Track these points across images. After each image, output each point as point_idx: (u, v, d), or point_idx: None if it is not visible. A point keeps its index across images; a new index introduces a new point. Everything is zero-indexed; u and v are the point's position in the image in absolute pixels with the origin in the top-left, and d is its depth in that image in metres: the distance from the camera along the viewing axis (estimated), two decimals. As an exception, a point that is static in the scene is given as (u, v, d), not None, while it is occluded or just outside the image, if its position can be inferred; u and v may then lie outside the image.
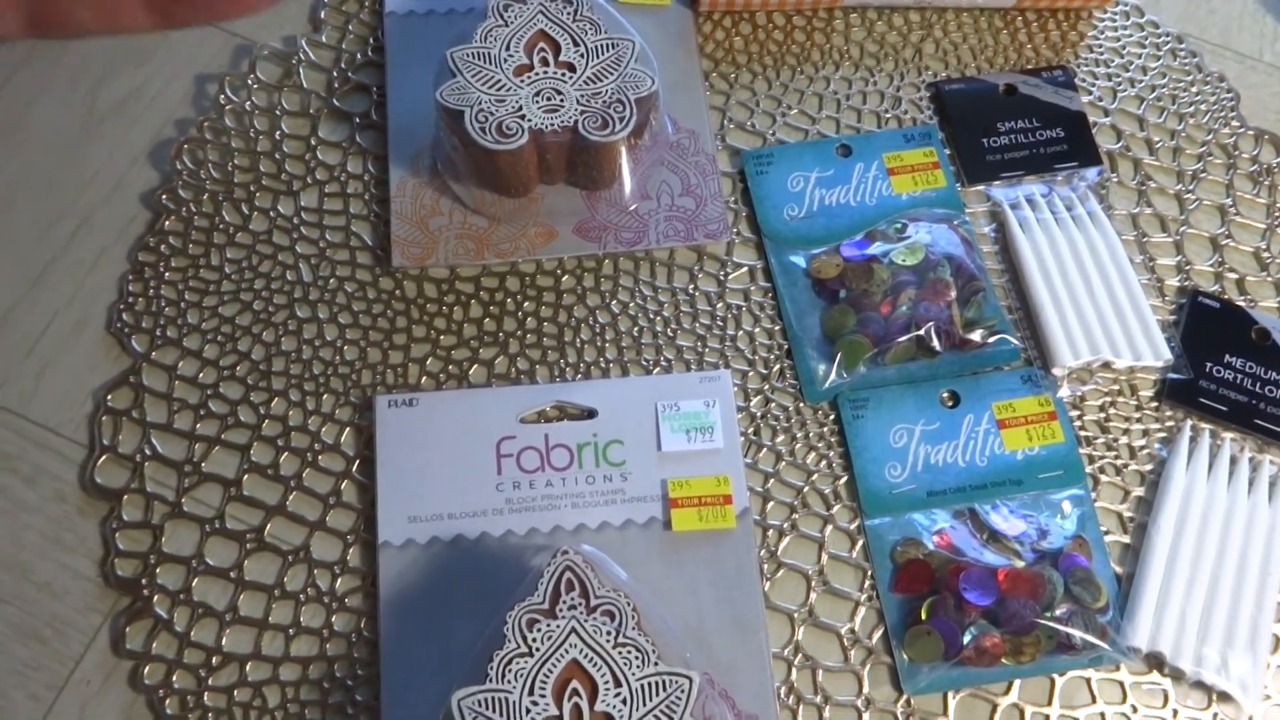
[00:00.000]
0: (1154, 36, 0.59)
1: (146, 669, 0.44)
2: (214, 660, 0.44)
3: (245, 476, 0.47)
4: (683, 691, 0.38)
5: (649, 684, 0.38)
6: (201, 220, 0.52)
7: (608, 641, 0.39)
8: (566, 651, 0.38)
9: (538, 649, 0.38)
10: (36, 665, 0.44)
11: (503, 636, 0.39)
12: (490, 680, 0.38)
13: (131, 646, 0.44)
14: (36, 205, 0.52)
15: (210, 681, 0.44)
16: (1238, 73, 0.59)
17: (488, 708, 0.37)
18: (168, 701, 0.43)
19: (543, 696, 0.38)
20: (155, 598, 0.45)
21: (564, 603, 0.39)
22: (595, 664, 0.38)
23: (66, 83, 0.55)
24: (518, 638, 0.39)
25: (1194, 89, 0.58)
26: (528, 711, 0.37)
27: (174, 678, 0.43)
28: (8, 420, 0.48)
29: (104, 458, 0.47)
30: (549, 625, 0.39)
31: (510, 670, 0.38)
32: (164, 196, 0.52)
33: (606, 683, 0.38)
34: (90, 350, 0.49)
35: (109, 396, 0.48)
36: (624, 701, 0.38)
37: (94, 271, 0.51)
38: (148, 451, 0.47)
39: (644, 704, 0.38)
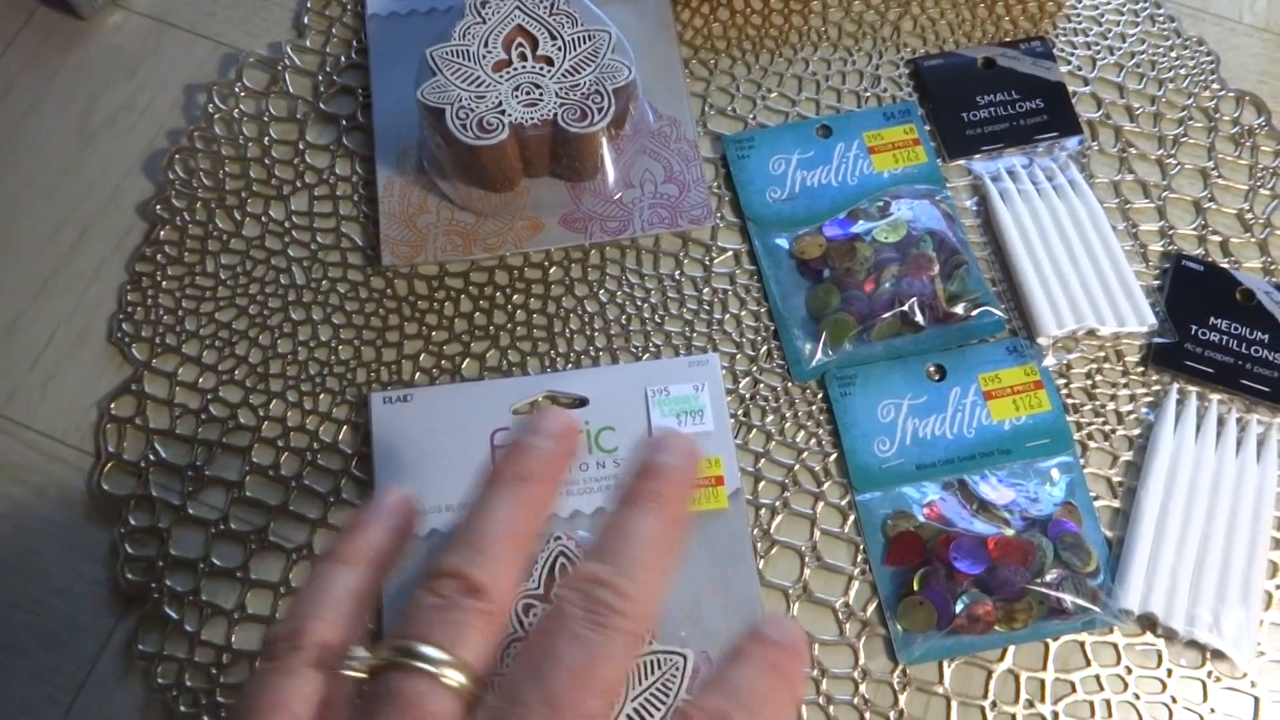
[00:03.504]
0: (1131, 3, 0.59)
1: (159, 669, 0.45)
2: (224, 658, 0.45)
3: (247, 478, 0.48)
4: (677, 669, 0.39)
5: (643, 663, 0.39)
6: (195, 228, 0.53)
7: (602, 623, 0.39)
8: (562, 635, 0.39)
9: (534, 633, 0.39)
10: (55, 668, 0.45)
11: (500, 622, 0.40)
12: (489, 665, 0.39)
13: (144, 647, 0.45)
14: (35, 219, 0.54)
15: (222, 679, 0.45)
16: (1217, 35, 0.59)
17: (487, 692, 0.38)
18: (181, 700, 0.44)
19: (540, 679, 0.39)
20: (165, 599, 0.46)
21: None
22: (591, 646, 0.39)
23: (60, 95, 0.57)
24: (514, 622, 0.40)
25: (1173, 54, 0.58)
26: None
27: (186, 676, 0.45)
28: (15, 432, 0.49)
29: (110, 465, 0.48)
30: (544, 609, 0.40)
31: (508, 654, 0.39)
32: (158, 206, 0.53)
33: (602, 663, 0.39)
34: (93, 360, 0.51)
35: (112, 405, 0.49)
36: (620, 681, 0.39)
37: (94, 283, 0.52)
38: (152, 458, 0.48)
39: (639, 683, 0.39)
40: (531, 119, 0.48)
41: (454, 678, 0.27)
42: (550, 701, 0.26)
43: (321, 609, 0.29)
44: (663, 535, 0.30)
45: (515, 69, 0.49)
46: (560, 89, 0.49)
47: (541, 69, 0.49)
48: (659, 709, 0.38)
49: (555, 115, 0.48)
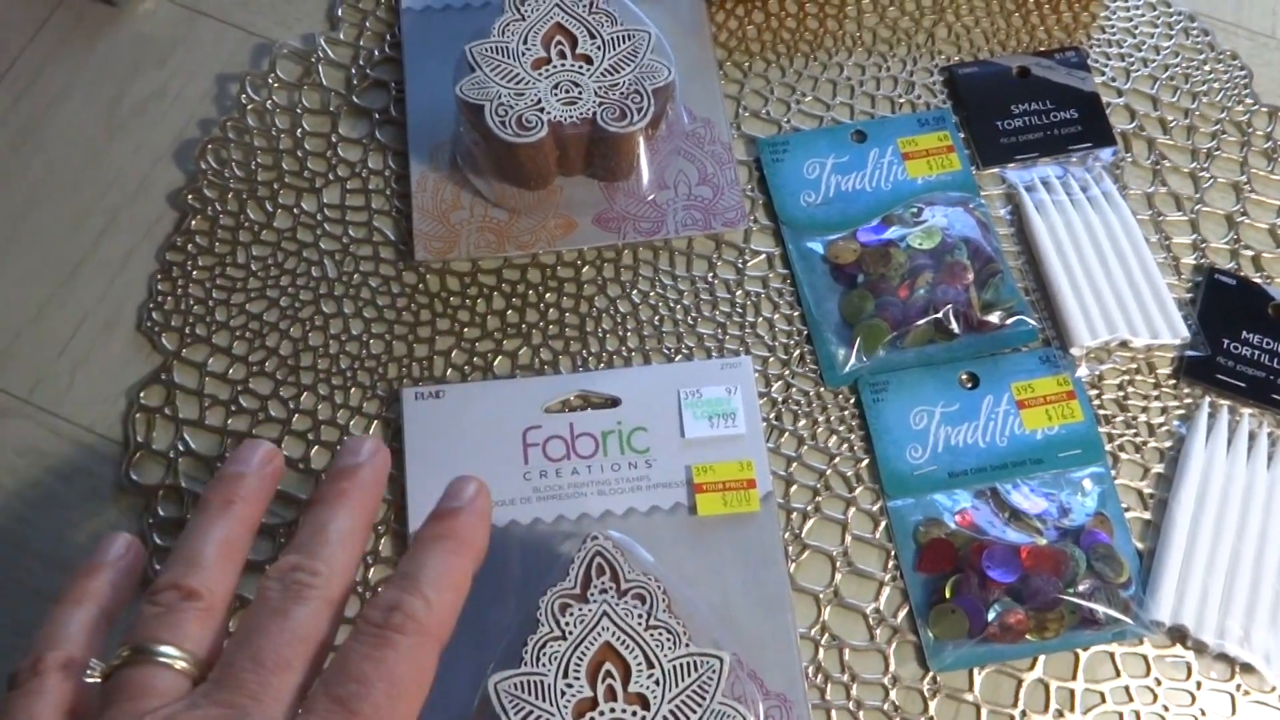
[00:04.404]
0: (1166, 15, 0.59)
1: (186, 660, 0.45)
2: (252, 650, 0.45)
3: (277, 470, 0.48)
4: (714, 672, 0.39)
5: (681, 665, 0.39)
6: (227, 219, 0.53)
7: (639, 624, 0.39)
8: (599, 635, 0.39)
9: (571, 632, 0.39)
10: (79, 658, 0.45)
11: (536, 621, 0.39)
12: (525, 664, 0.39)
13: (171, 638, 0.45)
14: (64, 206, 0.53)
15: (249, 671, 0.44)
16: (1250, 50, 0.59)
17: (524, 690, 0.38)
18: (208, 691, 0.44)
19: (577, 679, 0.38)
20: (193, 590, 0.45)
21: (595, 587, 0.40)
22: (628, 646, 0.39)
23: (90, 83, 0.56)
24: (551, 622, 0.39)
25: (1207, 67, 0.58)
26: (563, 694, 0.38)
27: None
28: (43, 420, 0.49)
29: (139, 455, 0.48)
30: (581, 609, 0.40)
31: (544, 654, 0.39)
32: (189, 196, 0.53)
33: (639, 664, 0.39)
34: (122, 349, 0.50)
35: (141, 394, 0.49)
36: (656, 682, 0.39)
37: (122, 271, 0.52)
38: (181, 448, 0.48)
39: (676, 684, 0.39)
40: (570, 117, 0.48)
41: (175, 661, 0.32)
42: (255, 658, 0.31)
43: (57, 643, 0.33)
44: (350, 524, 0.36)
45: (554, 67, 0.49)
46: (599, 88, 0.49)
47: (580, 67, 0.49)
48: (695, 711, 0.38)
49: (594, 114, 0.48)
